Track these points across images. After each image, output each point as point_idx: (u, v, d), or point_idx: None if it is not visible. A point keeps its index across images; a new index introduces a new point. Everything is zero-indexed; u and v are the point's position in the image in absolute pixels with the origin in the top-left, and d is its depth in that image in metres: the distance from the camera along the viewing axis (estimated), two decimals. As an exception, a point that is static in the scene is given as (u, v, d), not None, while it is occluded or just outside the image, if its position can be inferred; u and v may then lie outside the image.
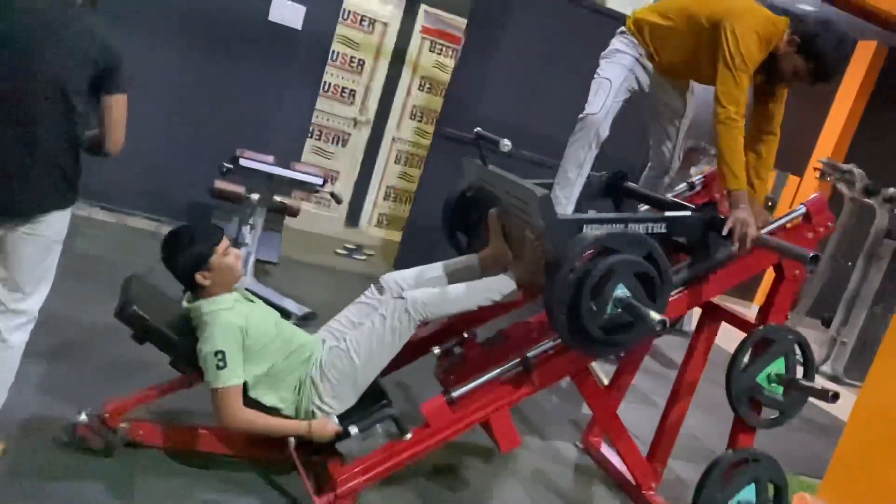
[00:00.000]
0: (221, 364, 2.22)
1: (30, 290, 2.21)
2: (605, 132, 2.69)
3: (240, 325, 2.28)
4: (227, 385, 2.23)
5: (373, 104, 6.43)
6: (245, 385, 2.32)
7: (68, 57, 2.08)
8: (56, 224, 2.21)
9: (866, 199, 6.61)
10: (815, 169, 7.09)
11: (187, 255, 2.31)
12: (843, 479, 3.58)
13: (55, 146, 2.16)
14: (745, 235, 2.40)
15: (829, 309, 6.87)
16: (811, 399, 2.69)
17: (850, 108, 8.48)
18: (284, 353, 2.39)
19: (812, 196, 2.80)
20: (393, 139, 6.60)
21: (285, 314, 3.64)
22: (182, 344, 2.35)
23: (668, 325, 2.11)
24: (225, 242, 2.37)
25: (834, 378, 6.55)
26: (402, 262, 5.01)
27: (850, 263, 6.80)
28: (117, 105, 2.27)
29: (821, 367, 6.75)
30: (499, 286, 2.54)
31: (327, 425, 2.36)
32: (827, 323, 6.82)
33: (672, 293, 2.57)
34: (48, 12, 2.07)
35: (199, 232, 2.37)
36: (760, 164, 2.77)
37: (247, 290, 2.68)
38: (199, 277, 2.32)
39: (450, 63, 6.36)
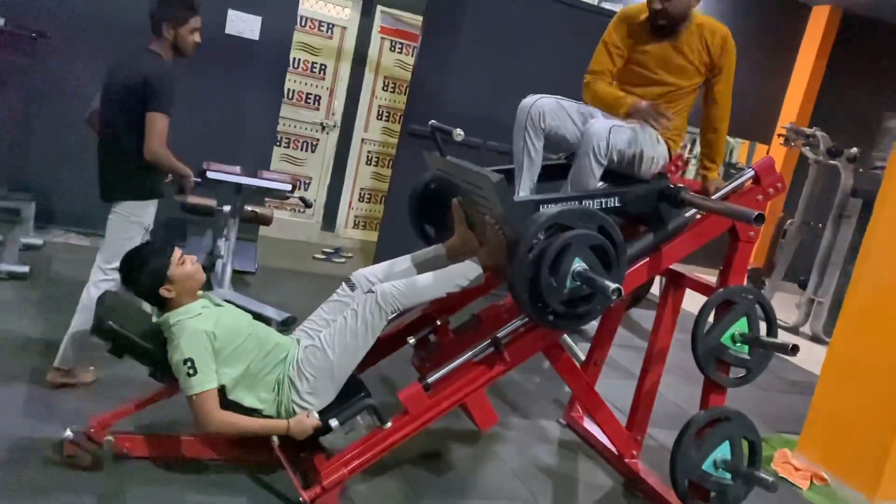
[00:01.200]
0: (192, 371, 2.28)
1: None
2: (536, 114, 2.73)
3: (206, 330, 2.33)
4: (201, 391, 2.29)
5: (339, 107, 6.49)
6: (224, 388, 2.38)
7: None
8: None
9: (831, 161, 6.74)
10: (779, 135, 7.21)
11: (146, 275, 2.39)
12: (819, 432, 3.69)
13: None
14: (646, 113, 2.59)
15: (804, 272, 7.01)
16: (788, 358, 2.78)
17: (810, 74, 8.62)
18: (260, 353, 2.45)
19: (761, 159, 2.89)
20: (362, 140, 6.66)
21: (266, 321, 3.70)
22: (159, 354, 2.40)
23: (622, 293, 2.18)
24: (178, 252, 2.44)
25: (815, 338, 6.70)
26: (380, 261, 5.07)
27: (820, 225, 6.93)
28: (150, 120, 2.90)
29: (801, 328, 6.89)
30: (465, 272, 2.61)
31: (305, 420, 2.42)
32: (803, 285, 6.95)
33: (633, 263, 2.65)
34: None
35: (150, 250, 2.44)
36: (712, 152, 2.90)
37: (226, 300, 2.74)
38: (163, 292, 2.39)
39: (411, 61, 6.42)
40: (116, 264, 2.85)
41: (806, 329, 6.84)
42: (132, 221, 3.03)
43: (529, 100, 2.77)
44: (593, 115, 2.83)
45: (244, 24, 4.99)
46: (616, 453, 3.19)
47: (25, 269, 4.04)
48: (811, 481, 3.53)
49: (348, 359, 2.51)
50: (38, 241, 4.62)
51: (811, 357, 4.93)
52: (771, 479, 2.66)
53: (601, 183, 2.97)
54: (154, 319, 2.46)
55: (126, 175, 3.01)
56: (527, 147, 2.76)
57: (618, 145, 2.63)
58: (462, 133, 2.72)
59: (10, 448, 2.46)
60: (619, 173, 2.82)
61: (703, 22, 2.73)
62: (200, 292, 2.55)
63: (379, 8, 6.36)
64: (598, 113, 2.84)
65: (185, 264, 2.43)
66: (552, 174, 3.01)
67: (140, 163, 2.95)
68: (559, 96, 2.83)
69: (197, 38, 3.10)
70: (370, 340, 2.53)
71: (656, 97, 2.78)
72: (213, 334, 2.34)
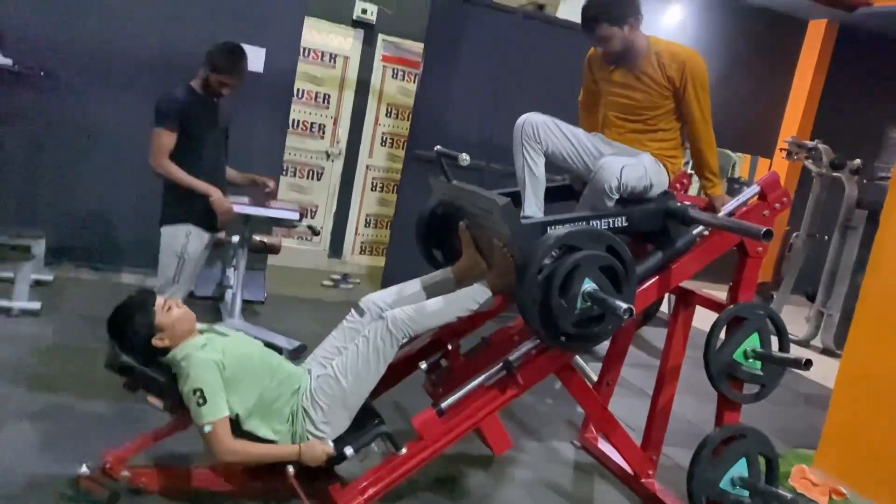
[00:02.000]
0: (201, 401, 2.27)
1: None
2: (530, 129, 2.77)
3: (214, 359, 2.33)
4: (212, 420, 2.28)
5: (343, 135, 6.55)
6: (238, 418, 2.38)
7: None
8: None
9: (834, 173, 6.76)
10: (781, 149, 7.23)
11: (133, 333, 2.38)
12: (835, 447, 3.66)
13: None
14: None
15: (811, 284, 6.99)
16: (800, 372, 2.76)
17: (809, 87, 8.67)
18: (273, 382, 2.44)
19: (766, 174, 2.91)
20: (367, 167, 6.71)
21: (277, 350, 3.70)
22: (172, 387, 2.40)
23: (633, 312, 2.19)
24: (160, 300, 2.43)
25: (826, 350, 6.66)
26: (388, 286, 5.08)
27: (826, 237, 6.93)
28: (152, 136, 3.30)
29: (811, 341, 6.86)
30: (474, 295, 2.61)
31: (317, 446, 2.42)
32: (812, 298, 6.93)
33: (642, 282, 2.66)
34: None
35: (131, 305, 2.42)
36: (703, 170, 2.89)
37: (237, 330, 2.74)
38: (156, 342, 2.38)
39: (413, 87, 6.49)
40: (164, 292, 3.24)
41: (817, 342, 6.81)
42: (164, 247, 3.39)
43: (521, 118, 2.82)
44: (589, 138, 2.88)
45: (248, 57, 5.04)
46: (632, 474, 3.17)
47: (37, 305, 4.07)
48: (830, 496, 3.50)
49: (361, 386, 2.51)
50: (48, 277, 4.65)
51: (824, 370, 4.90)
52: (789, 495, 2.64)
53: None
54: (161, 360, 2.45)
55: (162, 199, 3.42)
56: (527, 164, 2.79)
57: (630, 183, 2.68)
58: (468, 158, 2.75)
59: (25, 485, 2.46)
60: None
61: (661, 49, 2.75)
62: (203, 325, 2.56)
63: (381, 37, 6.44)
64: (591, 137, 2.90)
65: (171, 310, 2.41)
66: (556, 196, 3.03)
67: (166, 184, 3.36)
68: (556, 118, 2.87)
69: (224, 91, 3.41)
70: (382, 367, 2.53)
71: (637, 121, 2.82)
72: (222, 363, 2.34)
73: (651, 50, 2.75)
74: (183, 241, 3.37)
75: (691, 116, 2.78)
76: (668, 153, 2.84)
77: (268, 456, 2.42)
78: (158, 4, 4.95)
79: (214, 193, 3.40)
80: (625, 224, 2.64)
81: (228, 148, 3.73)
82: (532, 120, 2.80)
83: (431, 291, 2.78)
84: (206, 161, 3.46)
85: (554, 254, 2.32)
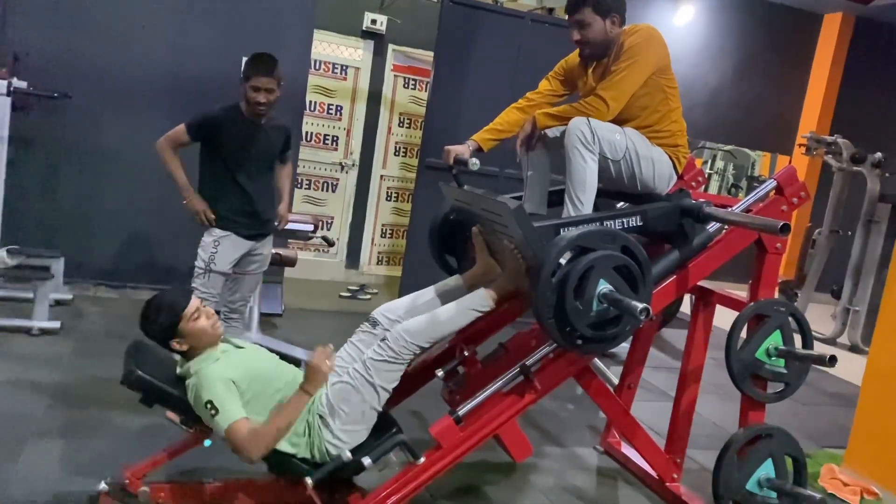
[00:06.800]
0: (214, 412, 2.25)
1: None
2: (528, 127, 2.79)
3: (226, 375, 2.31)
4: (229, 425, 2.25)
5: (356, 146, 6.56)
6: (255, 431, 2.36)
7: None
8: None
9: (855, 168, 6.65)
10: (800, 145, 7.14)
11: (157, 326, 2.37)
12: (865, 445, 3.59)
13: None
14: None
15: (836, 281, 6.87)
16: (827, 370, 2.70)
17: (826, 82, 8.57)
18: (288, 395, 2.43)
19: (782, 168, 2.86)
20: (381, 177, 6.72)
21: (295, 362, 3.69)
22: (187, 400, 2.39)
23: (650, 313, 2.14)
24: (193, 306, 2.39)
25: (854, 348, 6.54)
26: (405, 295, 5.06)
27: (849, 233, 6.82)
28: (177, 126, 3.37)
29: (838, 339, 6.74)
30: (485, 295, 2.59)
31: (313, 363, 2.38)
32: (837, 295, 6.82)
33: (659, 282, 2.61)
34: None
35: (165, 301, 2.39)
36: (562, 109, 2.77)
37: (255, 343, 2.73)
38: (174, 345, 2.37)
39: (424, 96, 6.49)
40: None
41: (844, 339, 6.69)
42: (198, 253, 3.39)
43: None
44: None
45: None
46: (657, 478, 3.11)
47: (57, 324, 4.10)
48: (861, 496, 3.41)
49: (377, 395, 2.49)
50: (67, 296, 4.69)
51: (851, 368, 4.80)
52: (819, 495, 2.57)
53: (622, 204, 2.96)
54: (178, 371, 2.45)
55: None
56: (525, 168, 2.83)
57: (604, 134, 2.57)
58: (478, 163, 2.74)
59: (46, 502, 2.47)
60: (635, 194, 2.80)
61: (623, 38, 2.66)
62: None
63: (391, 47, 6.46)
64: None
65: (199, 319, 2.38)
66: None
67: (200, 189, 3.39)
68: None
69: (259, 97, 3.25)
70: (397, 376, 2.50)
71: (628, 119, 2.70)
72: (233, 380, 2.31)
73: (619, 45, 2.66)
74: (211, 250, 3.35)
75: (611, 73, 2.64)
76: (664, 136, 2.74)
77: (286, 420, 2.35)
78: (170, 25, 5.01)
79: (187, 194, 3.39)
80: (639, 223, 2.59)
81: (274, 177, 3.67)
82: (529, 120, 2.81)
83: (446, 299, 2.75)
84: (246, 183, 3.40)
85: (568, 255, 2.28)
